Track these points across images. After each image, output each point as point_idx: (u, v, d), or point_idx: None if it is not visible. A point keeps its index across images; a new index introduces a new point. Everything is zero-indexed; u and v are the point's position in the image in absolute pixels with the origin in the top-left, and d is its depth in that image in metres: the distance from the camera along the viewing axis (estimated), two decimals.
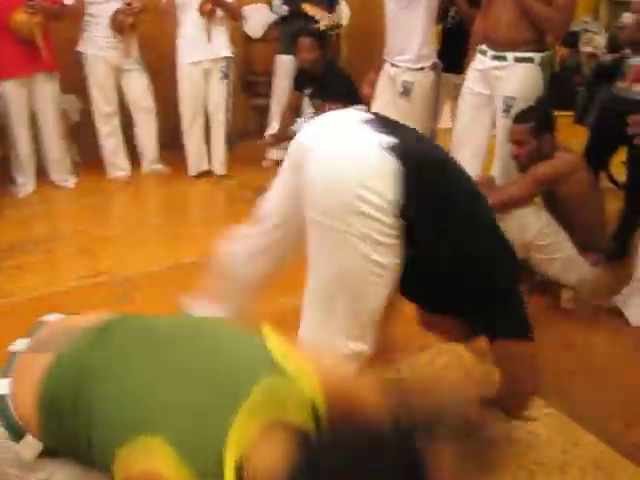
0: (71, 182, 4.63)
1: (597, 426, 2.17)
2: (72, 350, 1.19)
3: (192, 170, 4.82)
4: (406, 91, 3.68)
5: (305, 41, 4.18)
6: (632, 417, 2.24)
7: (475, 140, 3.27)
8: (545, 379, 2.34)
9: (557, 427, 2.18)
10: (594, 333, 2.79)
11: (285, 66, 4.88)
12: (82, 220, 4.03)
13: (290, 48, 4.69)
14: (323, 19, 4.66)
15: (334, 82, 4.18)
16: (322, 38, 4.34)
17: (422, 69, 3.68)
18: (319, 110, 4.34)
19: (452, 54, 3.95)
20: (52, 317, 1.38)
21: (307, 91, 4.41)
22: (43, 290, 3.11)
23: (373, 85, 3.93)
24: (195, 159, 4.81)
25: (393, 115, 3.72)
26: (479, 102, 3.20)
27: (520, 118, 2.84)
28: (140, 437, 1.01)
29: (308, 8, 4.65)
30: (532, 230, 2.76)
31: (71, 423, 1.12)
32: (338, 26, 5.07)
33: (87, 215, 4.09)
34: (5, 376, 1.21)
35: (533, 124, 2.78)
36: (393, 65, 3.74)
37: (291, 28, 4.73)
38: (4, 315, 2.90)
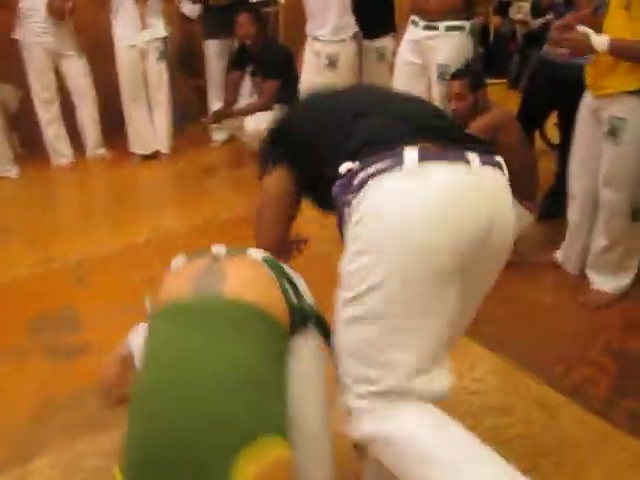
0: (14, 172, 4.57)
1: (540, 371, 2.32)
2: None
3: (135, 150, 4.81)
4: (331, 63, 3.78)
5: (243, 17, 4.19)
6: (572, 361, 2.40)
7: None
8: (488, 330, 2.49)
9: (501, 374, 2.32)
10: (534, 285, 2.96)
11: (213, 50, 4.88)
12: (29, 209, 4.00)
13: (214, 31, 4.75)
14: None
15: (274, 59, 4.22)
16: (259, 13, 4.35)
17: (343, 40, 3.79)
18: (259, 87, 4.40)
19: (369, 20, 3.95)
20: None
21: (248, 69, 4.44)
22: None
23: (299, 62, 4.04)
24: (137, 140, 4.80)
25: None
26: (413, 71, 3.31)
27: (456, 75, 3.00)
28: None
29: None
30: None
31: None
32: (275, 1, 5.11)
33: (34, 204, 4.07)
34: None
35: (468, 79, 2.94)
36: (315, 39, 3.84)
37: (212, 13, 4.74)
38: None
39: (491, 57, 6.34)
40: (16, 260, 3.31)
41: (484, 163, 1.36)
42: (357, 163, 1.33)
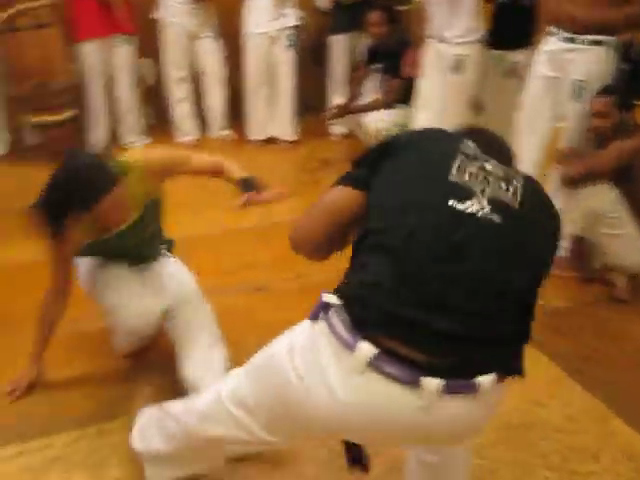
0: (141, 143, 4.80)
1: (635, 418, 2.16)
2: None
3: (252, 136, 4.91)
4: (457, 65, 3.60)
5: (375, 15, 4.16)
6: None
7: (540, 124, 3.20)
8: (591, 369, 2.34)
9: (596, 417, 2.17)
10: None
11: (339, 46, 4.87)
12: None
13: (342, 27, 4.74)
14: None
15: (400, 50, 4.15)
16: (391, 12, 4.28)
17: (472, 42, 3.60)
18: (386, 86, 4.34)
19: (506, 30, 3.78)
20: None
21: (374, 67, 4.40)
22: None
23: (414, 65, 3.87)
24: (255, 126, 4.89)
25: (442, 92, 3.71)
26: (547, 86, 3.14)
27: (603, 91, 2.82)
28: None
29: None
30: (606, 199, 2.79)
31: None
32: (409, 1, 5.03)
33: None
34: None
35: (615, 97, 2.76)
36: (441, 41, 3.65)
37: (341, 8, 4.71)
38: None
39: (637, 77, 5.93)
40: None
41: (451, 391, 1.17)
42: (337, 302, 1.25)
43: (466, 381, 1.18)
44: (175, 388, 2.10)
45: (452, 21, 3.59)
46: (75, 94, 4.38)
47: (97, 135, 4.64)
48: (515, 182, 1.33)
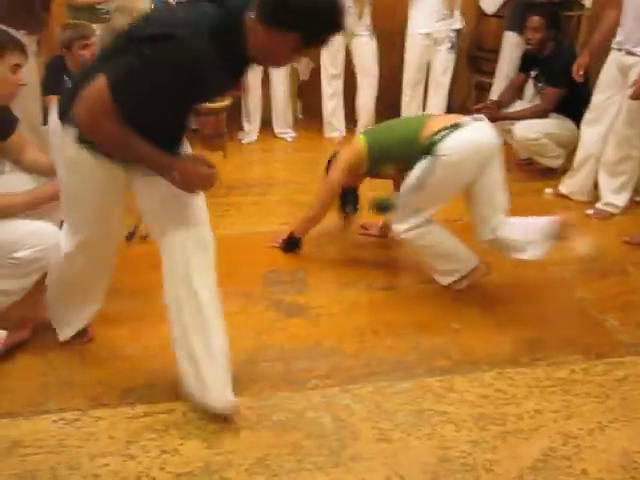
0: (290, 135, 4.95)
1: None
2: None
3: None
4: None
5: (534, 20, 3.97)
6: None
7: None
8: None
9: None
10: None
11: (510, 42, 4.72)
12: (294, 172, 4.30)
13: (516, 24, 4.54)
14: None
15: (562, 65, 3.93)
16: (555, 17, 4.08)
17: None
18: (539, 94, 4.16)
19: None
20: None
21: (533, 73, 4.23)
22: (247, 229, 3.41)
23: (585, 69, 3.66)
24: None
25: (616, 110, 3.51)
26: None
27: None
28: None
29: None
30: None
31: None
32: (581, 6, 4.78)
33: (299, 168, 4.35)
34: None
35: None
36: (629, 53, 3.37)
37: (518, 4, 4.55)
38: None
39: None
40: (270, 215, 3.57)
41: None
42: None
43: None
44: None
45: None
46: None
47: (250, 125, 4.85)
48: None
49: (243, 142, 4.83)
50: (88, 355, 2.35)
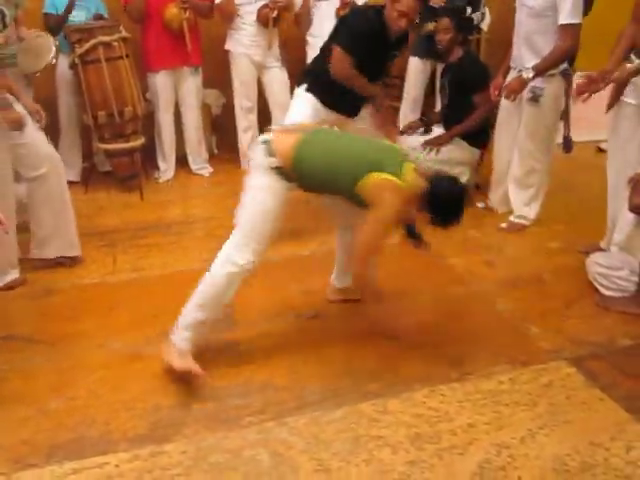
0: (207, 171, 4.92)
1: None
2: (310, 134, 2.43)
3: None
4: (534, 97, 3.55)
5: (443, 21, 4.11)
6: None
7: (628, 155, 3.11)
8: None
9: None
10: None
11: (415, 67, 4.91)
12: (213, 207, 4.26)
13: (420, 50, 4.76)
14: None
15: (469, 71, 4.10)
16: (462, 21, 4.22)
17: (552, 75, 3.52)
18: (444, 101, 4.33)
19: None
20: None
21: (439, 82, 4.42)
22: (170, 268, 3.36)
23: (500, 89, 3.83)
24: None
25: (517, 121, 3.71)
26: (632, 113, 3.05)
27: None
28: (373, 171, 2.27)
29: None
30: None
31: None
32: (479, 30, 5.02)
33: (218, 203, 4.32)
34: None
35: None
36: (521, 71, 3.55)
37: (421, 29, 4.71)
38: (136, 287, 3.16)
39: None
40: (192, 253, 3.52)
41: None
42: None
43: None
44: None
45: (534, 53, 3.55)
46: (145, 123, 4.54)
47: (166, 164, 4.79)
48: None
49: (160, 181, 4.76)
50: (9, 414, 2.23)
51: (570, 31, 3.36)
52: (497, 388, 2.36)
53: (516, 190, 3.87)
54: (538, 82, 3.52)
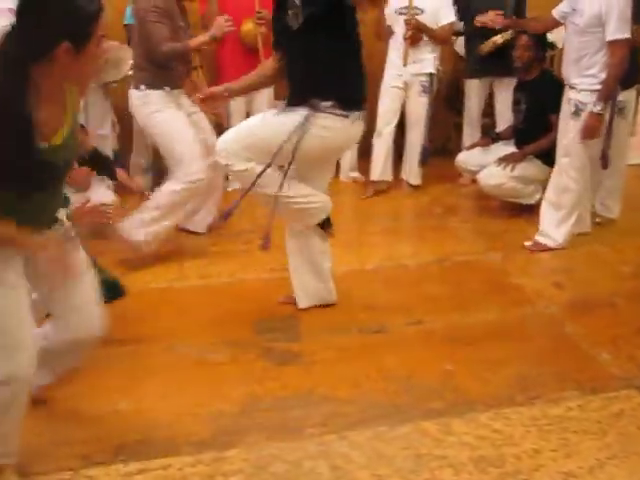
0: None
1: None
2: None
3: (374, 176, 4.83)
4: (577, 112, 3.52)
5: (522, 38, 4.08)
6: None
7: None
8: None
9: None
10: None
11: (475, 90, 4.90)
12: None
13: (477, 72, 4.76)
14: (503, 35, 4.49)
15: (547, 90, 4.05)
16: (542, 38, 4.15)
17: (597, 91, 3.46)
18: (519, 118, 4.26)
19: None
20: None
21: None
22: (236, 277, 3.41)
23: None
24: (379, 168, 4.83)
25: (563, 134, 3.65)
26: None
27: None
28: None
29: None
30: None
31: None
32: (553, 47, 4.92)
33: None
34: None
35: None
36: (571, 87, 3.58)
37: (474, 48, 4.68)
38: (200, 294, 3.23)
39: None
40: (260, 262, 3.55)
41: None
42: None
43: None
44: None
45: (582, 68, 3.52)
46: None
47: None
48: None
49: (229, 189, 4.82)
50: (81, 411, 2.31)
51: (618, 46, 3.34)
52: (565, 414, 2.29)
53: (548, 208, 3.77)
54: (581, 97, 3.50)
